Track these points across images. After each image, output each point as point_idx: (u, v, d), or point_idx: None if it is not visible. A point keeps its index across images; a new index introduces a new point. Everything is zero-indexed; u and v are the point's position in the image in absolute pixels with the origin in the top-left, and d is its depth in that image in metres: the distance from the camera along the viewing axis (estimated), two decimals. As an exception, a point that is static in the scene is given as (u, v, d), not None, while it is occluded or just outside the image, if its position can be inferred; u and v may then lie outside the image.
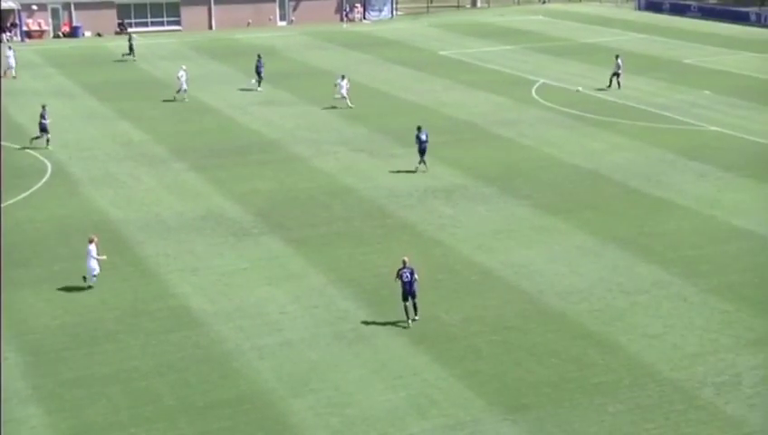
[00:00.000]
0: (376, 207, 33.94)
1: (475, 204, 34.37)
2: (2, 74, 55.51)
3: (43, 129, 40.92)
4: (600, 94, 52.64)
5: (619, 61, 53.94)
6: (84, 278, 26.80)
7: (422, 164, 37.58)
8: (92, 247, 26.63)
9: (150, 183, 36.64)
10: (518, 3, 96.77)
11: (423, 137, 37.28)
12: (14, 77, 55.93)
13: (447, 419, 20.47)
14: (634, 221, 32.69)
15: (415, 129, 38.05)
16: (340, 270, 28.26)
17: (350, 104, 48.67)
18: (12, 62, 56.47)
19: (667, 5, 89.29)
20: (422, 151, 37.43)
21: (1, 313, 24.58)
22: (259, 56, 54.77)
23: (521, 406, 20.98)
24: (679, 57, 65.41)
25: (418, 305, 24.67)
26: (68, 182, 36.57)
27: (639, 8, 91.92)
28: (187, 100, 50.42)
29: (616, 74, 53.65)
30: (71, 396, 21.19)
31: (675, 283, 27.51)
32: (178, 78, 50.59)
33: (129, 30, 73.79)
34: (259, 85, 53.51)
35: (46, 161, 39.07)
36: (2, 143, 41.39)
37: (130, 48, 63.11)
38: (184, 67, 52.38)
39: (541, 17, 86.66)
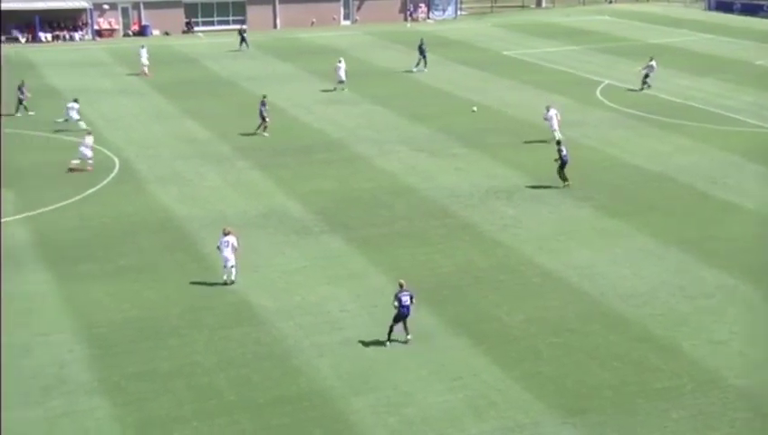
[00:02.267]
0: (437, 207, 33.92)
1: (537, 205, 34.13)
2: (140, 72, 57.65)
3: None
4: (665, 96, 51.82)
5: (653, 63, 53.11)
6: (226, 273, 26.97)
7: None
8: (230, 239, 26.72)
9: (215, 181, 37.15)
10: (584, 3, 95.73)
11: (564, 151, 35.90)
12: (147, 74, 57.28)
13: (506, 421, 20.39)
14: (699, 224, 32.14)
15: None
16: (401, 270, 28.28)
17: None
18: (145, 60, 57.84)
19: (739, 5, 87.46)
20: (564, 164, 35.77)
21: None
22: (422, 40, 60.12)
23: (581, 409, 20.79)
24: (749, 58, 64.03)
25: (409, 326, 23.70)
26: (134, 179, 37.26)
27: (709, 8, 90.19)
28: (345, 90, 52.44)
29: (647, 75, 52.79)
30: (135, 389, 21.61)
31: (740, 288, 26.98)
32: (337, 69, 53.06)
33: (196, 29, 75.06)
34: (425, 66, 58.24)
35: (114, 158, 39.86)
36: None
37: (243, 39, 66.39)
38: (341, 59, 54.71)
39: (607, 17, 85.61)
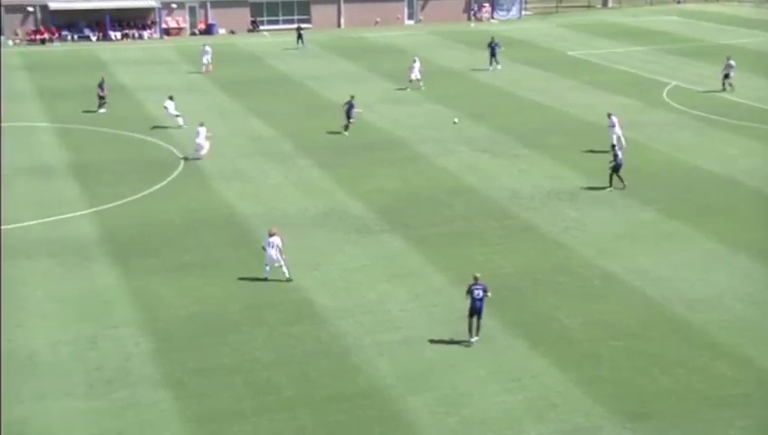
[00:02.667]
0: (498, 208, 33.74)
1: (599, 207, 33.73)
2: (202, 70, 58.54)
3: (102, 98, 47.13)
4: (734, 97, 50.78)
5: (731, 62, 52.08)
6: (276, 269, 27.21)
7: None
8: (275, 240, 26.96)
9: (277, 179, 37.49)
10: (651, 3, 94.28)
11: (620, 155, 35.70)
12: (208, 71, 58.23)
13: (565, 424, 20.20)
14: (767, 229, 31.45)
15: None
16: (460, 270, 28.20)
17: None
18: (209, 57, 58.75)
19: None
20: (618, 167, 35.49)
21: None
22: (492, 38, 60.41)
23: (642, 415, 20.50)
24: (823, 59, 62.40)
25: (482, 325, 23.68)
26: (199, 176, 37.79)
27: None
28: (422, 87, 52.89)
29: (726, 75, 51.79)
30: (196, 383, 21.92)
31: (810, 295, 26.32)
32: (411, 69, 53.53)
33: (261, 27, 75.89)
34: (498, 64, 58.98)
35: (179, 155, 40.46)
36: (131, 135, 43.14)
37: (300, 37, 67.65)
38: (416, 58, 55.24)
39: (675, 17, 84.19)
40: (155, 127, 45.10)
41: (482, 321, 23.64)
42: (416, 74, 53.41)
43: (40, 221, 32.38)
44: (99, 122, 46.16)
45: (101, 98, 48.14)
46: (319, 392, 21.54)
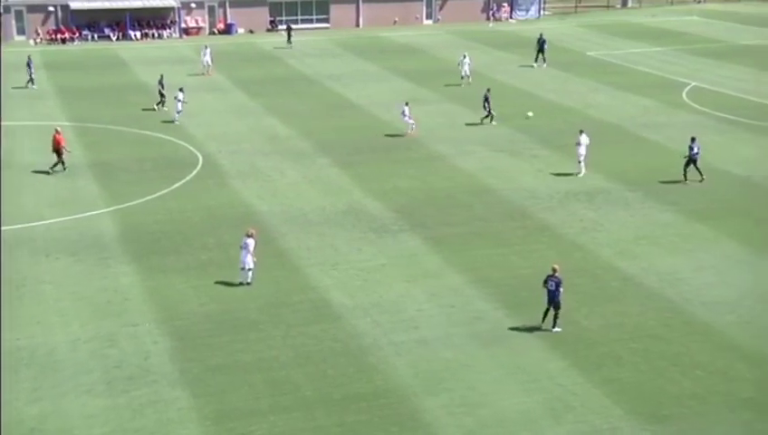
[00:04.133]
0: (516, 209, 33.65)
1: (618, 208, 33.59)
2: (202, 72, 58.04)
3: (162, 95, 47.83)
4: (755, 98, 50.43)
5: None
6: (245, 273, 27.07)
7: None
8: (250, 242, 26.85)
9: (295, 177, 37.55)
10: (671, 2, 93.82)
11: (695, 149, 35.81)
12: (210, 74, 57.73)
13: (583, 425, 20.12)
14: (789, 231, 31.19)
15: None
16: (478, 270, 28.17)
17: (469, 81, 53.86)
18: (208, 59, 58.30)
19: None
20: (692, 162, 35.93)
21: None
22: (541, 34, 61.93)
23: (662, 417, 20.39)
24: None
25: (559, 319, 24.21)
26: (217, 174, 37.90)
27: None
28: (470, 82, 53.88)
29: None
30: (214, 381, 21.98)
31: (832, 298, 26.10)
32: (460, 64, 54.85)
33: (280, 26, 76.08)
34: (545, 63, 60.24)
35: (198, 154, 40.61)
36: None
37: (289, 37, 67.93)
38: (466, 53, 56.56)
39: (695, 17, 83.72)
40: (173, 126, 45.26)
41: (558, 313, 24.11)
42: (466, 70, 54.41)
43: (60, 219, 32.55)
44: (118, 121, 46.36)
45: (162, 95, 48.23)
46: (336, 391, 21.54)
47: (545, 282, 24.07)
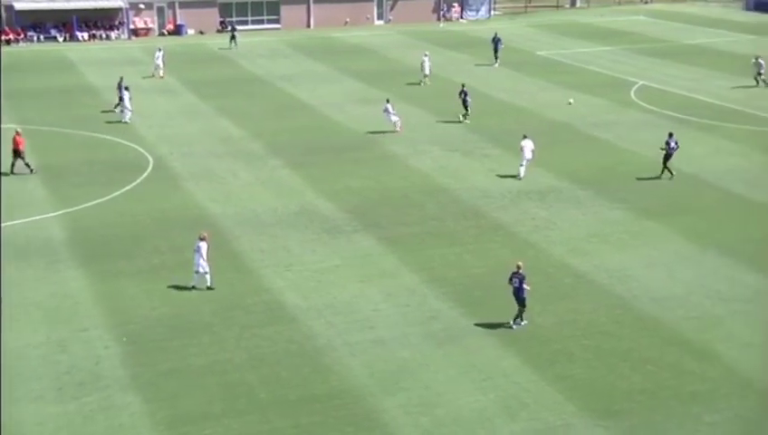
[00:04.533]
0: (469, 208, 33.84)
1: (569, 207, 33.94)
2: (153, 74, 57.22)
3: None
4: (702, 97, 51.31)
5: (761, 60, 53.77)
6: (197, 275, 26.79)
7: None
8: (203, 245, 26.60)
9: (247, 179, 37.34)
10: (619, 3, 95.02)
11: (672, 144, 36.53)
12: (162, 77, 56.98)
13: (537, 422, 20.30)
14: (736, 227, 31.78)
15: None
16: (433, 270, 28.28)
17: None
18: (159, 62, 57.49)
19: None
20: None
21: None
22: (495, 34, 62.81)
23: (613, 412, 20.65)
24: (788, 59, 63.16)
25: (523, 315, 24.44)
26: (169, 177, 37.55)
27: (748, 8, 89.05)
28: (428, 83, 54.40)
29: (759, 74, 53.63)
30: (167, 386, 21.78)
31: (777, 292, 26.65)
32: (422, 64, 55.11)
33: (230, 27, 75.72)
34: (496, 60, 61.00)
35: (149, 156, 40.19)
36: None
37: (233, 38, 67.30)
38: (427, 53, 56.92)
39: (642, 17, 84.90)
40: (123, 127, 44.74)
41: (523, 310, 24.28)
42: (426, 70, 54.88)
43: (7, 224, 31.98)
44: (67, 124, 45.71)
45: (121, 98, 47.52)
46: (291, 393, 21.48)
47: (510, 279, 24.26)
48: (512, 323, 24.45)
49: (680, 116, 47.03)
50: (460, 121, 45.56)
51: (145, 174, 37.85)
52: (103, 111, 47.85)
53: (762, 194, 35.05)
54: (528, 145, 37.19)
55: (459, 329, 24.48)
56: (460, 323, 24.84)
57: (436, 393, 21.43)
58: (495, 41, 61.79)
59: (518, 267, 24.28)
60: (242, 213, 33.29)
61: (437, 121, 46.17)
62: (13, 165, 37.40)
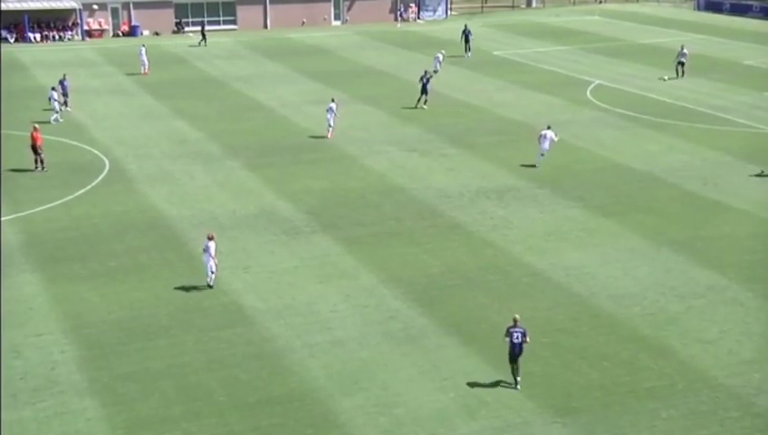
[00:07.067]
0: (427, 207, 33.92)
1: (526, 205, 34.17)
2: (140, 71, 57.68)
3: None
4: (655, 96, 51.96)
5: (685, 50, 55.62)
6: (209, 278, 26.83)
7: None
8: (212, 244, 26.53)
9: (204, 181, 37.08)
10: (574, 3, 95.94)
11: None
12: (146, 73, 57.34)
13: (497, 420, 20.40)
14: (689, 224, 32.23)
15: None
16: (391, 270, 28.30)
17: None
18: (144, 58, 57.96)
19: (728, 6, 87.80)
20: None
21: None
22: (465, 25, 65.87)
23: (571, 409, 20.82)
24: (739, 58, 64.28)
25: (520, 368, 21.67)
26: (124, 179, 37.15)
27: (699, 8, 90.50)
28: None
29: (681, 63, 55.46)
30: (125, 390, 21.54)
31: (731, 287, 27.06)
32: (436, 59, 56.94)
33: (187, 29, 75.16)
34: (469, 52, 63.80)
35: (104, 158, 39.73)
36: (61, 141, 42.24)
37: (203, 36, 68.68)
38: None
39: (597, 17, 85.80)
40: (78, 130, 44.19)
41: (520, 362, 21.61)
42: (436, 66, 56.74)
43: (-42, 228, 31.46)
44: (18, 126, 45.01)
45: (65, 95, 47.25)
46: (250, 396, 21.36)
47: (508, 334, 21.55)
48: (516, 384, 21.69)
49: (634, 114, 47.58)
50: (415, 107, 46.35)
51: (101, 177, 37.41)
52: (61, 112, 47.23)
53: (714, 191, 35.59)
54: (549, 135, 38.10)
55: (418, 329, 24.52)
56: (419, 322, 24.89)
57: (395, 393, 21.45)
58: (466, 33, 64.31)
59: (515, 321, 21.66)
60: (199, 215, 33.04)
61: (395, 122, 46.22)
62: (36, 161, 37.66)
